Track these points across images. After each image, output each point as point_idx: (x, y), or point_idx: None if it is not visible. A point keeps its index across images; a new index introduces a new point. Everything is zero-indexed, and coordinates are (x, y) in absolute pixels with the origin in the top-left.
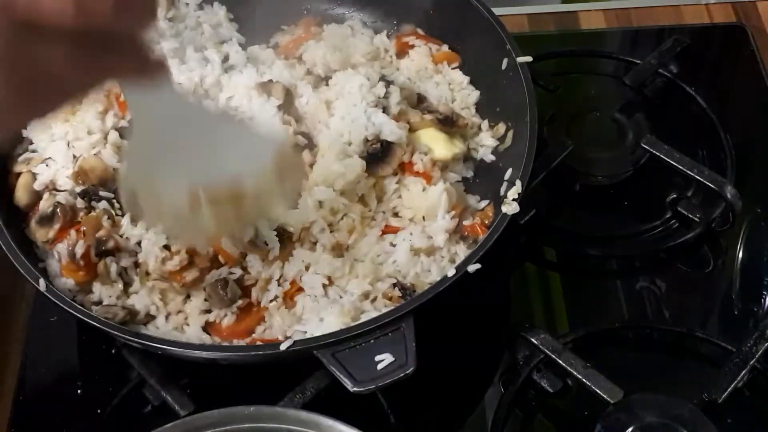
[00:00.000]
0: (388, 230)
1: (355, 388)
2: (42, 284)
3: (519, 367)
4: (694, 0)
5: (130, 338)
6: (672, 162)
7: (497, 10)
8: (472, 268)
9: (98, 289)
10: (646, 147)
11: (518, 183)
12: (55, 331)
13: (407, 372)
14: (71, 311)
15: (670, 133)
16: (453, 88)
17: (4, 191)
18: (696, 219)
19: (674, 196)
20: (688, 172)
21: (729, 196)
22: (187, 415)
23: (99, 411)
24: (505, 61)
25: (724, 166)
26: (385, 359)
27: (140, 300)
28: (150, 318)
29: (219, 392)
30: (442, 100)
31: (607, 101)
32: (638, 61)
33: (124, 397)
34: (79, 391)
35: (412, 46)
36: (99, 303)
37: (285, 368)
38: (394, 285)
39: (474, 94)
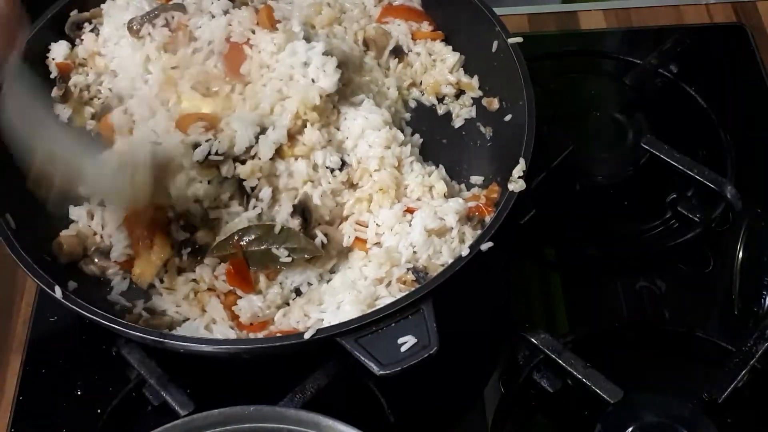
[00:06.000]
0: (407, 210)
1: (381, 372)
2: (58, 292)
3: (519, 367)
4: (694, 0)
5: (157, 338)
6: (672, 162)
7: (498, 10)
8: (485, 246)
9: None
10: (646, 147)
11: (522, 161)
12: (55, 331)
13: (431, 352)
14: (93, 317)
15: (670, 133)
16: (435, 58)
17: (15, 203)
18: (696, 219)
19: (674, 196)
20: (688, 172)
21: (729, 196)
22: (187, 415)
23: (99, 411)
24: (495, 43)
25: (724, 166)
26: (408, 341)
27: (163, 303)
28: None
29: (219, 392)
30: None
31: (607, 101)
32: (638, 61)
33: (124, 397)
34: (79, 391)
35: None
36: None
37: (285, 368)
38: (408, 269)
39: (453, 57)
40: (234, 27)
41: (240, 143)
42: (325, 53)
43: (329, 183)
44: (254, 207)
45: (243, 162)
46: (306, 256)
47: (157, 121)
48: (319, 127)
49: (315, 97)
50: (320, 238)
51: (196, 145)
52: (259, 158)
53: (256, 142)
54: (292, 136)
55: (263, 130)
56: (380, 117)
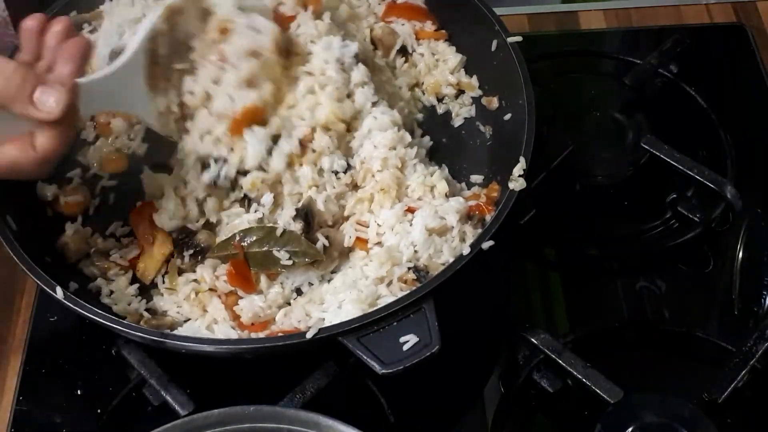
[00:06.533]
0: (408, 210)
1: (383, 371)
2: (59, 293)
3: (519, 367)
4: (694, 0)
5: (158, 338)
6: (672, 162)
7: (497, 10)
8: (486, 245)
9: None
10: (646, 147)
11: (522, 159)
12: (55, 331)
13: (433, 351)
14: (94, 317)
15: (670, 133)
16: (438, 58)
17: (16, 205)
18: (696, 219)
19: (674, 196)
20: (688, 172)
21: (729, 196)
22: (187, 415)
23: (99, 411)
24: (494, 43)
25: (724, 166)
26: (410, 340)
27: (165, 303)
28: (176, 323)
29: (219, 392)
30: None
31: (607, 101)
32: (638, 61)
33: (124, 397)
34: (79, 391)
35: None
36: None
37: (285, 368)
38: (409, 268)
39: (455, 58)
40: (286, 1)
41: (251, 161)
42: (357, 56)
43: (334, 187)
44: (255, 210)
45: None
46: (307, 260)
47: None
48: (331, 133)
49: (347, 110)
50: (322, 241)
51: (204, 163)
52: (266, 172)
53: (269, 155)
54: (304, 145)
55: (275, 139)
56: (389, 118)
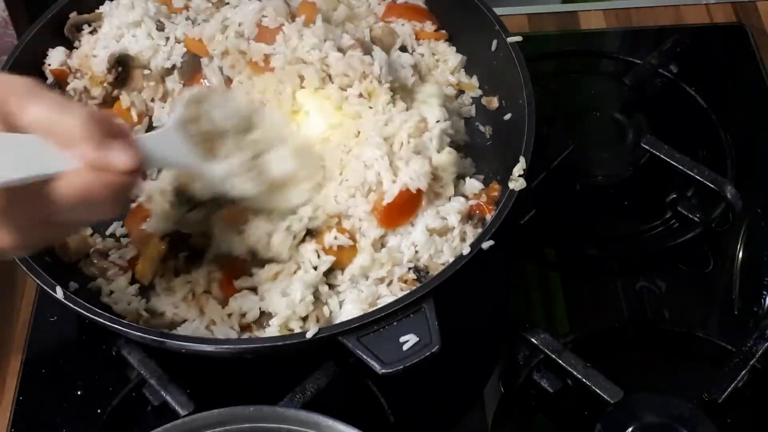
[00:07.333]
0: None
1: (383, 371)
2: (59, 292)
3: (519, 367)
4: (694, 0)
5: (158, 338)
6: (672, 162)
7: (498, 10)
8: (486, 245)
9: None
10: (646, 147)
11: (522, 159)
12: (55, 331)
13: (433, 351)
14: (94, 317)
15: (670, 133)
16: (438, 58)
17: None
18: (696, 219)
19: (674, 196)
20: (688, 172)
21: (729, 196)
22: (187, 415)
23: (99, 411)
24: (494, 42)
25: (724, 166)
26: (409, 340)
27: (163, 304)
28: (175, 323)
29: (219, 392)
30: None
31: (607, 101)
32: (638, 61)
33: (124, 397)
34: (79, 391)
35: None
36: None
37: (285, 368)
38: (409, 268)
39: (455, 58)
40: (268, 13)
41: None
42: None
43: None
44: None
45: None
46: None
47: None
48: None
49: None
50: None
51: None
52: None
53: None
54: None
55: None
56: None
